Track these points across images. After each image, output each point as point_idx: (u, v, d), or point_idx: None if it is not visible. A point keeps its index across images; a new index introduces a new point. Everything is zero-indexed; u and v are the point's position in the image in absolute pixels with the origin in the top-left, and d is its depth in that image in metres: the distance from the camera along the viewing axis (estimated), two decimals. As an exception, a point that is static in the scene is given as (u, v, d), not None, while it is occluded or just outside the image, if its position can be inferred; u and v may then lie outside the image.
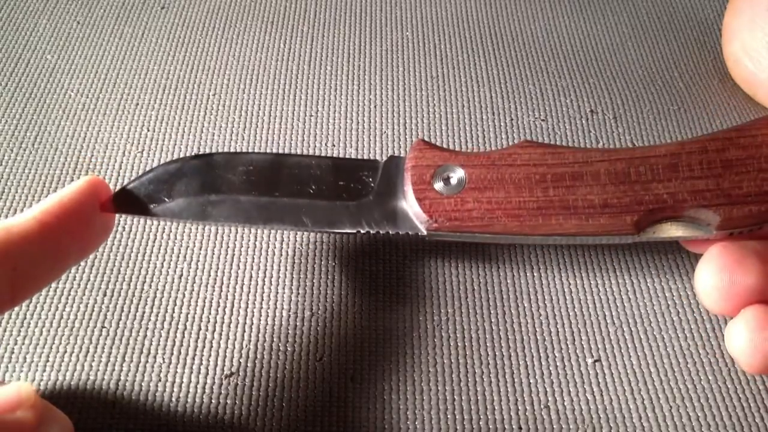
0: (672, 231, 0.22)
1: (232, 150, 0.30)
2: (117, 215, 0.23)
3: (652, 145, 0.22)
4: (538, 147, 0.22)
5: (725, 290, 0.21)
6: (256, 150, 0.30)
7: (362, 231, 0.23)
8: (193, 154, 0.23)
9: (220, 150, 0.30)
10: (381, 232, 0.23)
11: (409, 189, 0.22)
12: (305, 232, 0.27)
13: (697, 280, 0.22)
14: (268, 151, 0.30)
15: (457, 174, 0.22)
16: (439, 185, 0.22)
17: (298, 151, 0.30)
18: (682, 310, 0.25)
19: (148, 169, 0.23)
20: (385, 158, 0.25)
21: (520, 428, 0.22)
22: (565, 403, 0.23)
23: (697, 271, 0.22)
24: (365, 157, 0.30)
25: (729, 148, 0.21)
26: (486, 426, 0.22)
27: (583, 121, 0.32)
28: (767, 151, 0.21)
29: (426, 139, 0.30)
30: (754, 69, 0.32)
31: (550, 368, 0.24)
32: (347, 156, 0.30)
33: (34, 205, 0.20)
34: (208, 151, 0.29)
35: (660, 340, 0.24)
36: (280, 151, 0.30)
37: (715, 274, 0.21)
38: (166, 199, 0.22)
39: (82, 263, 0.26)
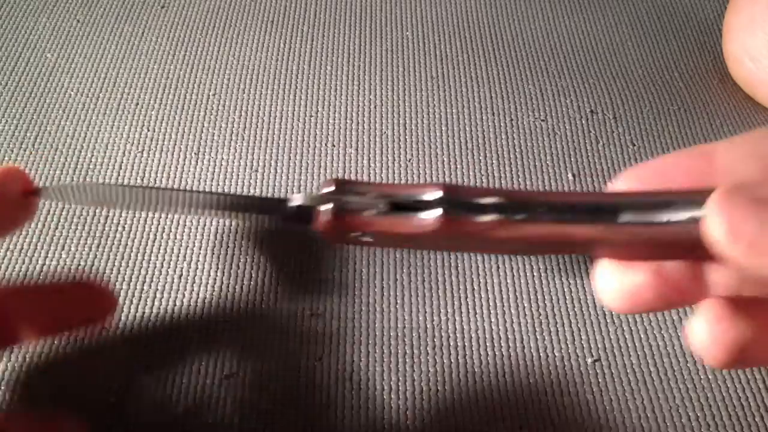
0: None
1: (231, 150, 0.30)
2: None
3: None
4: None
5: (623, 290, 0.19)
6: (256, 150, 0.30)
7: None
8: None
9: (219, 150, 0.30)
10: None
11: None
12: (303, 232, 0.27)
13: (596, 283, 0.19)
14: (269, 151, 0.30)
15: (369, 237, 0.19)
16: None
17: (299, 152, 0.30)
18: (682, 310, 0.25)
19: (146, 169, 0.23)
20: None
21: (520, 428, 0.22)
22: (565, 403, 0.23)
23: (594, 274, 0.20)
24: (364, 156, 0.30)
25: None
26: (486, 426, 0.22)
27: (583, 121, 0.32)
28: None
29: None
30: (754, 69, 0.32)
31: (550, 368, 0.24)
32: (345, 156, 0.30)
33: None
34: (208, 151, 0.29)
35: (660, 340, 0.24)
36: (280, 152, 0.30)
37: (610, 273, 0.19)
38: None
39: (82, 263, 0.26)
